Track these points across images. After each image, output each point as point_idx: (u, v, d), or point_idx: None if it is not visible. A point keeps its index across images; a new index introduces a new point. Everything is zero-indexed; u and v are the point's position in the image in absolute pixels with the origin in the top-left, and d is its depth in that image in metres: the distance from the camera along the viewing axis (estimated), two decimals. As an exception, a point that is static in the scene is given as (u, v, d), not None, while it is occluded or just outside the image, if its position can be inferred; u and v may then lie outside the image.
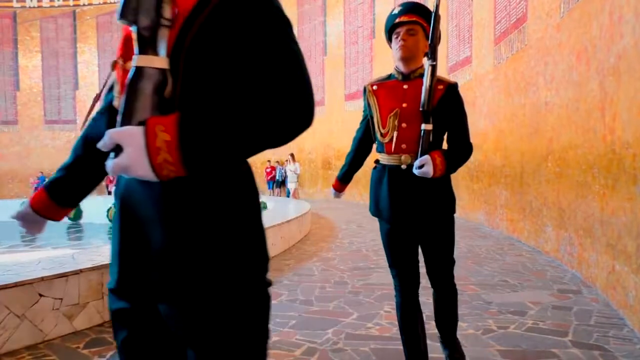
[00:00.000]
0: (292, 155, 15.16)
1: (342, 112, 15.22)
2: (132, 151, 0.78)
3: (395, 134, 2.01)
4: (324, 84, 16.24)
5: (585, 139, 4.19)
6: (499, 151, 7.31)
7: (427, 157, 1.93)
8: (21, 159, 19.99)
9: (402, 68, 2.06)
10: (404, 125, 2.01)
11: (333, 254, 5.63)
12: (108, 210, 10.05)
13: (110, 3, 19.67)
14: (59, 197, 1.12)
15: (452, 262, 2.16)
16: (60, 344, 2.80)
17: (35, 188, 18.91)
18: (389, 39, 2.11)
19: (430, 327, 2.94)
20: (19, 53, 20.17)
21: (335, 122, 15.30)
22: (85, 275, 3.08)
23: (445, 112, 2.02)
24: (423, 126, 1.96)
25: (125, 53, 0.92)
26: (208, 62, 0.88)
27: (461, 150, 2.07)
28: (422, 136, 1.96)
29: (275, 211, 7.81)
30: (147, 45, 0.86)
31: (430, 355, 2.18)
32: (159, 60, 0.85)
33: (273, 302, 3.97)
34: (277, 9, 0.91)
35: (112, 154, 0.81)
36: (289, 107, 0.84)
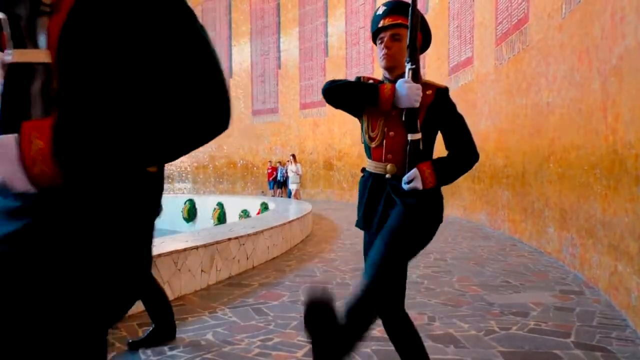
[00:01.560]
0: (293, 156, 15.15)
1: (343, 113, 15.09)
2: (5, 165, 0.64)
3: (383, 141, 1.89)
4: (326, 84, 16.25)
5: (587, 140, 4.18)
6: (500, 152, 7.31)
7: (414, 171, 1.78)
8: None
9: (387, 75, 1.95)
10: (391, 133, 1.88)
11: (335, 255, 5.62)
12: None
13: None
14: None
15: (393, 259, 1.60)
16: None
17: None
18: (375, 42, 1.97)
19: (432, 328, 2.94)
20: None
21: (336, 122, 15.31)
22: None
23: (437, 119, 1.87)
24: (409, 136, 1.82)
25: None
26: (100, 54, 0.72)
27: (461, 159, 1.88)
28: (408, 146, 1.83)
29: (277, 212, 7.81)
30: (24, 37, 0.71)
31: (431, 356, 2.17)
32: (41, 54, 0.70)
33: (275, 302, 3.90)
34: None
35: None
36: (198, 106, 0.70)
